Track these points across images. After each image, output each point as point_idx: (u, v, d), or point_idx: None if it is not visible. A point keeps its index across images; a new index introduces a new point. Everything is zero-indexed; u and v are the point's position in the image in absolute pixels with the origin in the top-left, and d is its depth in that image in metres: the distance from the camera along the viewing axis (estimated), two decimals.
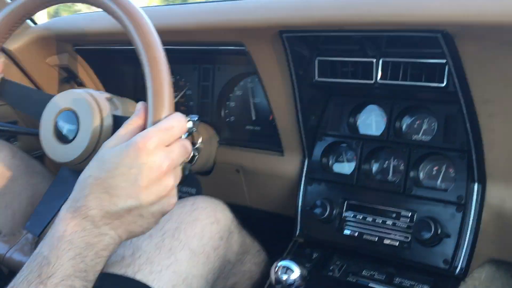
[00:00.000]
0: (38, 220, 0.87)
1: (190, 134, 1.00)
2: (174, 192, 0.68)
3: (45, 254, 0.62)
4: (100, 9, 0.78)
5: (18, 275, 0.62)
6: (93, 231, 0.63)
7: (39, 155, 1.30)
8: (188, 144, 0.70)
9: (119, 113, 0.90)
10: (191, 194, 1.29)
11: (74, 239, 0.62)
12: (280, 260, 0.97)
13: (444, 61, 0.88)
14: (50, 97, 0.91)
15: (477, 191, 0.92)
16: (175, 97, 1.31)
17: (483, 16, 0.76)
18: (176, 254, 0.88)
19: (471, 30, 0.79)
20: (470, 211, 0.92)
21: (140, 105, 0.71)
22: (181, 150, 0.68)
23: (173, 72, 1.12)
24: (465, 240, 0.92)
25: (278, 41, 0.99)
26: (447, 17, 0.80)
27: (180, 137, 0.70)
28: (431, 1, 0.82)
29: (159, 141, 0.65)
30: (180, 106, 1.32)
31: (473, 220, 0.92)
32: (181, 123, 0.69)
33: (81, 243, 0.62)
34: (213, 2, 1.12)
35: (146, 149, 0.64)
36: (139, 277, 0.82)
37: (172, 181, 0.66)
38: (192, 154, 1.15)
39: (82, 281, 0.62)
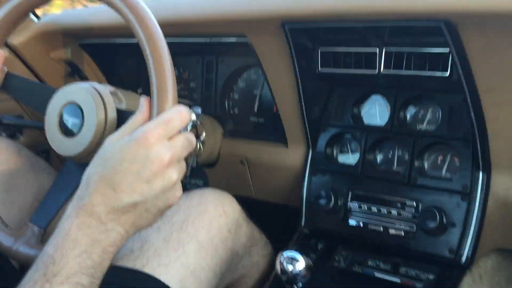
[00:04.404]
0: (43, 213, 0.87)
1: (194, 126, 1.00)
2: (179, 186, 0.68)
3: (51, 253, 0.62)
4: (102, 3, 0.79)
5: (26, 275, 0.63)
6: (99, 227, 0.63)
7: (44, 150, 1.31)
8: (192, 137, 0.69)
9: (123, 106, 0.90)
10: (198, 186, 1.30)
11: (79, 236, 0.62)
12: (285, 251, 0.98)
13: (447, 50, 0.87)
14: (54, 90, 0.91)
15: (482, 180, 0.92)
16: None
17: (485, 5, 0.75)
18: (184, 246, 0.88)
19: (473, 19, 0.79)
20: (475, 200, 0.92)
21: (143, 100, 0.71)
22: (184, 144, 0.67)
23: (176, 64, 1.12)
24: (470, 229, 0.92)
25: (280, 32, 0.98)
26: (449, 6, 0.79)
27: (186, 129, 0.69)
28: None
29: (160, 134, 0.65)
30: (184, 99, 1.33)
31: (478, 209, 0.91)
32: (182, 114, 0.68)
33: (87, 240, 0.62)
34: None
35: (146, 143, 0.64)
36: (148, 269, 0.83)
37: (175, 174, 0.66)
38: (198, 147, 1.16)
39: (90, 278, 0.62)
